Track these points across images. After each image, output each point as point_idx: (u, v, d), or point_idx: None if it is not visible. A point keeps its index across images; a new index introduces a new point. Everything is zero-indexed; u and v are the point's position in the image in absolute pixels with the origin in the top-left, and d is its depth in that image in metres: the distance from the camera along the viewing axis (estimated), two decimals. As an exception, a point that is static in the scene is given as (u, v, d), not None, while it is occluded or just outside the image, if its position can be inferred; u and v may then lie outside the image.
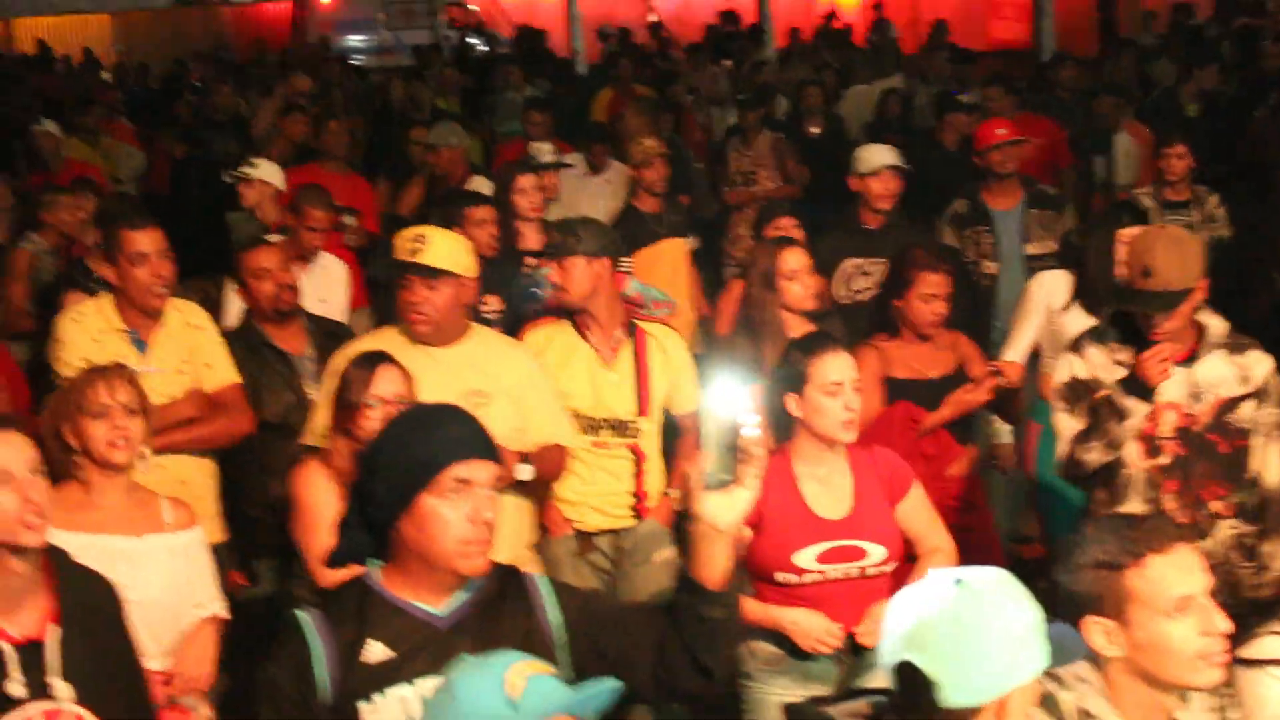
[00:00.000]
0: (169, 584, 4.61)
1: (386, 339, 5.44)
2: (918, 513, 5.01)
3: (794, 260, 6.38)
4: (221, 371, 5.95)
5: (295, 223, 7.93)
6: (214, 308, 6.74)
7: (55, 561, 3.75)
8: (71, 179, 10.17)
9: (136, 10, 40.22)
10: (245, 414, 6.02)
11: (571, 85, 18.28)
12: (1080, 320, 6.62)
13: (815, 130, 13.08)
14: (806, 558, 4.77)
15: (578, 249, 5.89)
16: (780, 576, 4.79)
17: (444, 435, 3.19)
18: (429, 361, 5.26)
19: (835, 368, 4.82)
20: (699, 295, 9.05)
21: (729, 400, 3.05)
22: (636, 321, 6.11)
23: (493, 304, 7.22)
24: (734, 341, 6.37)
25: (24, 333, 8.43)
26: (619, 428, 5.99)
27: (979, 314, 7.90)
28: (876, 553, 4.83)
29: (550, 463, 5.55)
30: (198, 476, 5.88)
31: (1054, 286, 6.94)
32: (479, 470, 3.17)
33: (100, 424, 4.57)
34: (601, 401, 5.96)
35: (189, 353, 5.88)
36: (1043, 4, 16.05)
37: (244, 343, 6.36)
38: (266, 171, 9.02)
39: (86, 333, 5.72)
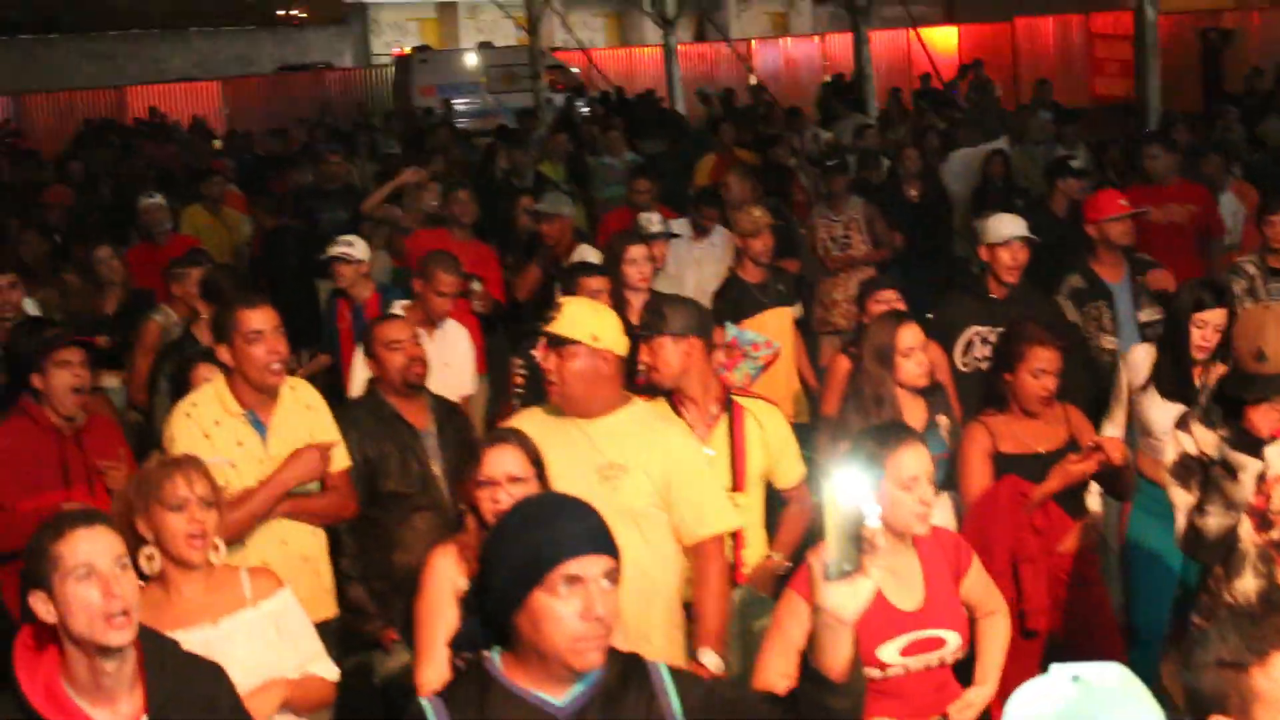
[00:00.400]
0: (256, 661, 4.58)
1: (536, 411, 5.44)
2: (976, 584, 4.98)
3: (910, 337, 6.34)
4: (338, 455, 5.94)
5: (424, 288, 8.09)
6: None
7: (152, 651, 3.80)
8: (186, 250, 10.33)
9: (244, 77, 41.03)
10: (353, 498, 6.05)
11: (674, 148, 18.40)
12: (1157, 403, 6.62)
13: (914, 194, 13.08)
14: (890, 652, 4.70)
15: (665, 329, 5.86)
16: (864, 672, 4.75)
17: (556, 530, 3.16)
18: (572, 434, 5.21)
19: (912, 462, 4.74)
20: (805, 365, 9.04)
21: (851, 489, 3.06)
22: (734, 397, 6.05)
23: None
24: (844, 419, 6.34)
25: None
26: None
27: (1099, 390, 7.77)
28: (954, 640, 4.79)
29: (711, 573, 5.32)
30: (306, 540, 5.90)
31: (1136, 363, 6.88)
32: (592, 566, 3.14)
33: (178, 517, 4.54)
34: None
35: (307, 434, 5.86)
36: (1146, 59, 15.80)
37: (372, 413, 6.41)
38: (363, 250, 9.25)
39: (200, 426, 5.67)
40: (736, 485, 5.89)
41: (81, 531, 3.72)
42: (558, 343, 5.20)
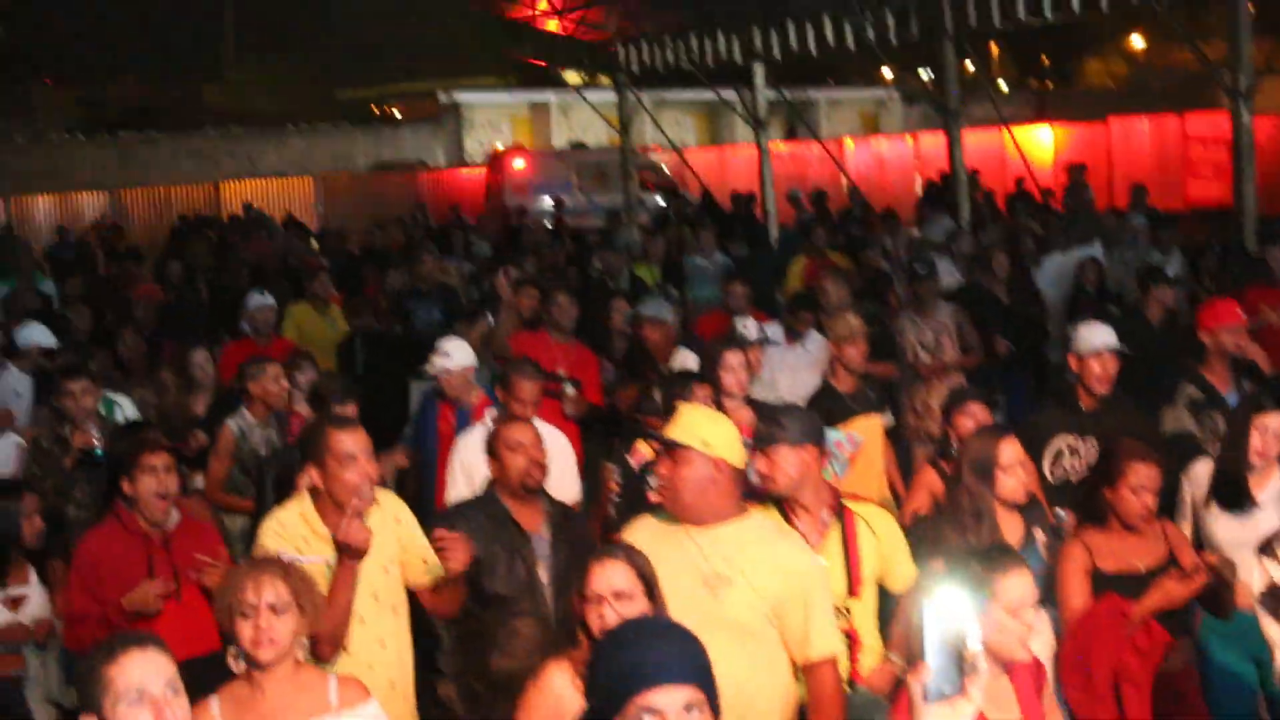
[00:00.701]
0: None
1: (649, 518, 5.42)
2: (1050, 705, 4.94)
3: (1010, 453, 6.31)
4: (434, 567, 5.94)
5: (505, 396, 8.13)
6: None
7: None
8: (289, 353, 10.46)
9: (338, 172, 41.66)
10: (457, 598, 6.07)
11: (765, 249, 18.48)
12: (1220, 518, 6.56)
13: (1004, 299, 13.02)
14: None
15: (783, 438, 5.85)
16: None
17: (641, 658, 3.14)
18: (681, 541, 5.17)
19: (1019, 588, 4.70)
20: (894, 473, 9.01)
21: (952, 611, 3.06)
22: (845, 503, 6.04)
23: None
24: (940, 533, 6.29)
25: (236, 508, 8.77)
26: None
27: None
28: None
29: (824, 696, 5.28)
30: (401, 645, 5.92)
31: (1197, 476, 6.81)
32: (673, 697, 3.11)
33: (246, 624, 4.60)
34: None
35: (398, 548, 5.87)
36: (1243, 163, 15.69)
37: (487, 513, 6.42)
38: (464, 358, 9.21)
39: (290, 543, 5.65)
40: (852, 591, 5.88)
41: (134, 654, 3.81)
42: (671, 447, 5.18)
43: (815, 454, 5.94)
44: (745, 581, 5.09)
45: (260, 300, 11.95)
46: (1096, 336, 7.97)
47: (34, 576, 7.25)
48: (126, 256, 21.35)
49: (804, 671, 5.23)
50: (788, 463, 5.85)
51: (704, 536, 5.17)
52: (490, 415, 8.09)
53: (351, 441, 5.68)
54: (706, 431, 5.23)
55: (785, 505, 5.94)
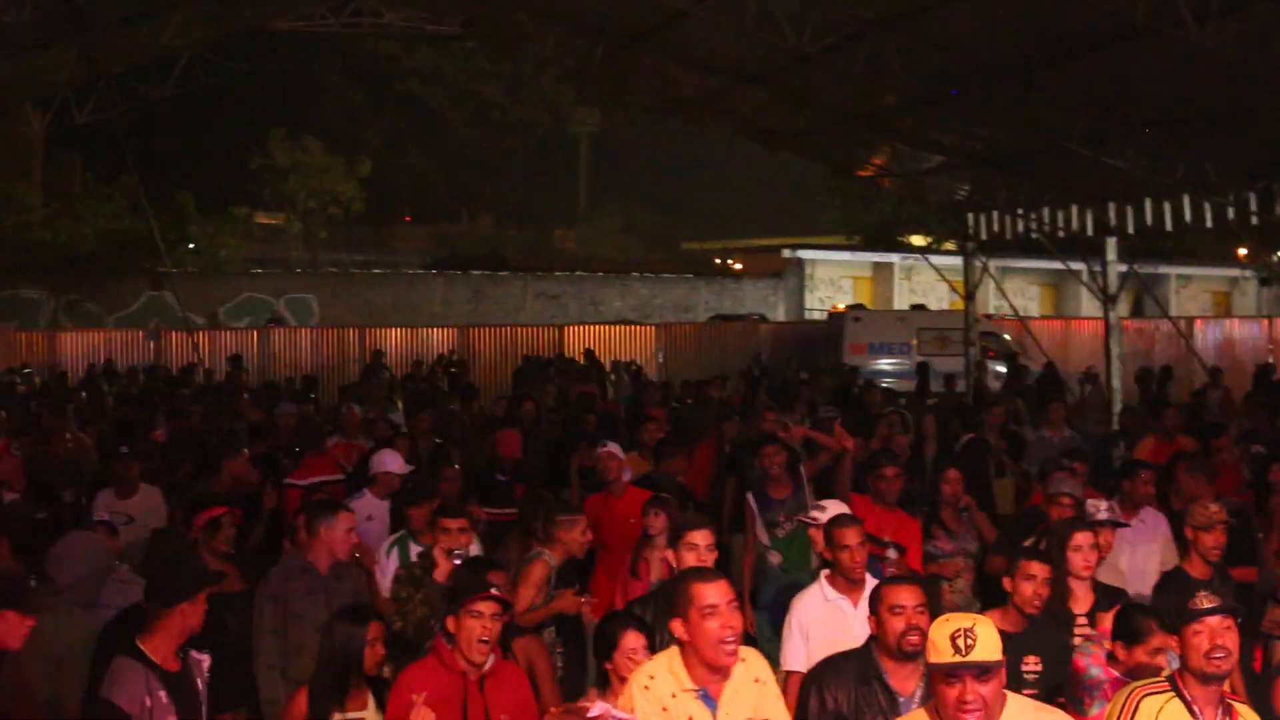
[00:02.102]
0: None
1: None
2: None
3: None
4: None
5: (832, 554, 8.12)
6: None
7: None
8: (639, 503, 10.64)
9: (679, 324, 42.47)
10: None
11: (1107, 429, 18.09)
12: None
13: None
14: None
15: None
16: None
17: None
18: None
19: None
20: (1238, 678, 8.58)
21: None
22: (1230, 701, 5.90)
23: (1031, 664, 7.19)
24: None
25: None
26: None
27: None
28: None
29: None
30: None
31: None
32: None
33: None
34: None
35: (753, 709, 5.88)
36: None
37: (857, 670, 6.45)
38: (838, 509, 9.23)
39: (658, 701, 5.72)
40: None
41: None
42: (983, 670, 5.10)
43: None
44: None
45: (604, 450, 11.99)
46: None
47: (372, 703, 7.43)
48: (469, 392, 22.08)
49: None
50: (1236, 644, 5.86)
51: None
52: (824, 575, 8.10)
53: (714, 593, 5.73)
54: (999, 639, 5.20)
55: (1188, 693, 5.85)
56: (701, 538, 8.05)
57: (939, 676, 5.19)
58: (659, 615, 7.66)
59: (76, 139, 45.11)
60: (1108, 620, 7.17)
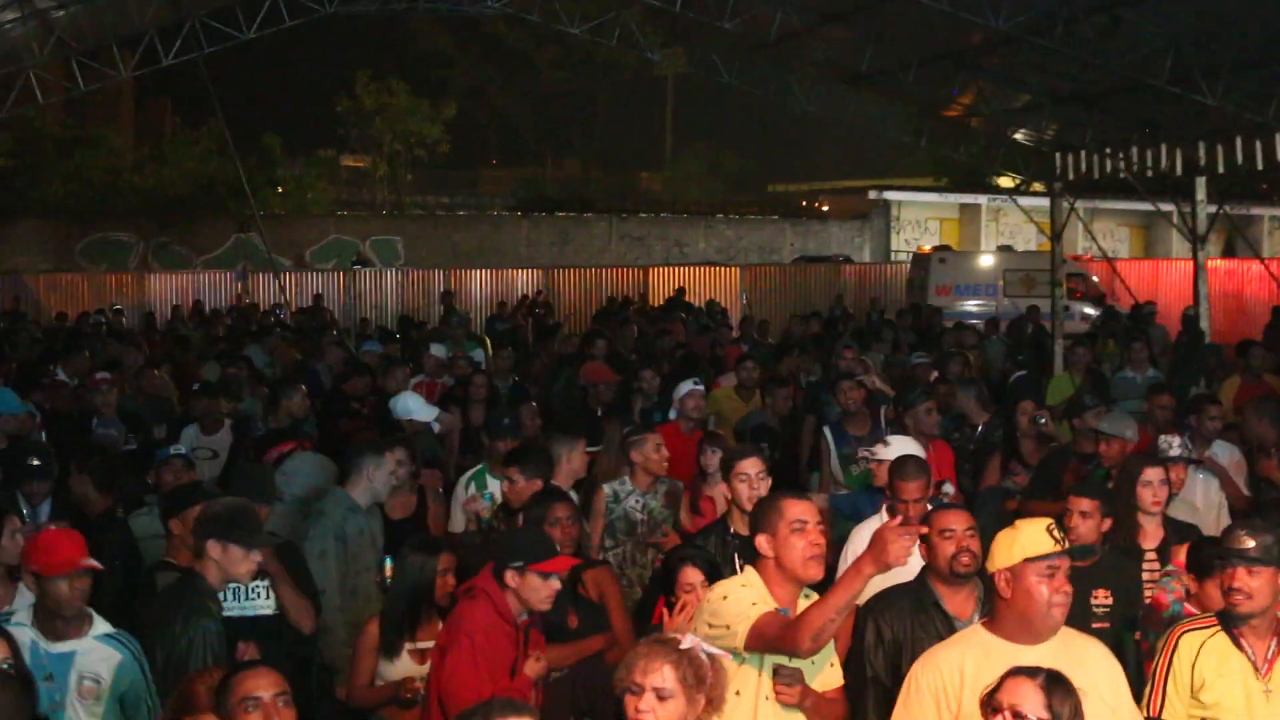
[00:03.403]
0: None
1: (977, 635, 5.49)
2: None
3: None
4: (836, 674, 6.00)
5: (891, 497, 8.14)
6: None
7: None
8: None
9: (763, 265, 42.38)
10: (842, 708, 6.06)
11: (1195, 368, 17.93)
12: None
13: None
14: None
15: (1274, 561, 5.79)
16: None
17: None
18: (1015, 659, 5.12)
19: None
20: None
21: None
22: None
23: (1101, 598, 7.21)
24: None
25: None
26: None
27: None
28: None
29: None
30: None
31: None
32: None
33: (632, 702, 4.67)
34: (1255, 715, 5.75)
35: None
36: None
37: (911, 599, 6.52)
38: (902, 446, 9.28)
39: (746, 601, 5.66)
40: None
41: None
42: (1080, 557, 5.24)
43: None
44: (1092, 690, 5.03)
45: (693, 388, 12.04)
46: None
47: (443, 634, 7.54)
48: (551, 332, 22.19)
49: None
50: (1268, 585, 5.79)
51: (1033, 653, 5.21)
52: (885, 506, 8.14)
53: (803, 509, 5.80)
54: None
55: (1236, 628, 5.85)
56: (751, 466, 8.13)
57: (1032, 572, 5.27)
58: (720, 550, 7.76)
59: (165, 85, 45.56)
60: (1182, 554, 7.17)
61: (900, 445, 9.20)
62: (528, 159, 74.41)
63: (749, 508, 7.71)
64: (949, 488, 9.81)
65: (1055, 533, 5.31)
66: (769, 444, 11.40)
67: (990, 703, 4.66)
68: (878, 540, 5.27)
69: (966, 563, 6.43)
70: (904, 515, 7.33)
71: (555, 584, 6.52)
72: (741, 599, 5.64)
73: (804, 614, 5.43)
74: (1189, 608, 6.82)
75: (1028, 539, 5.33)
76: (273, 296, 33.28)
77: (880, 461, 9.08)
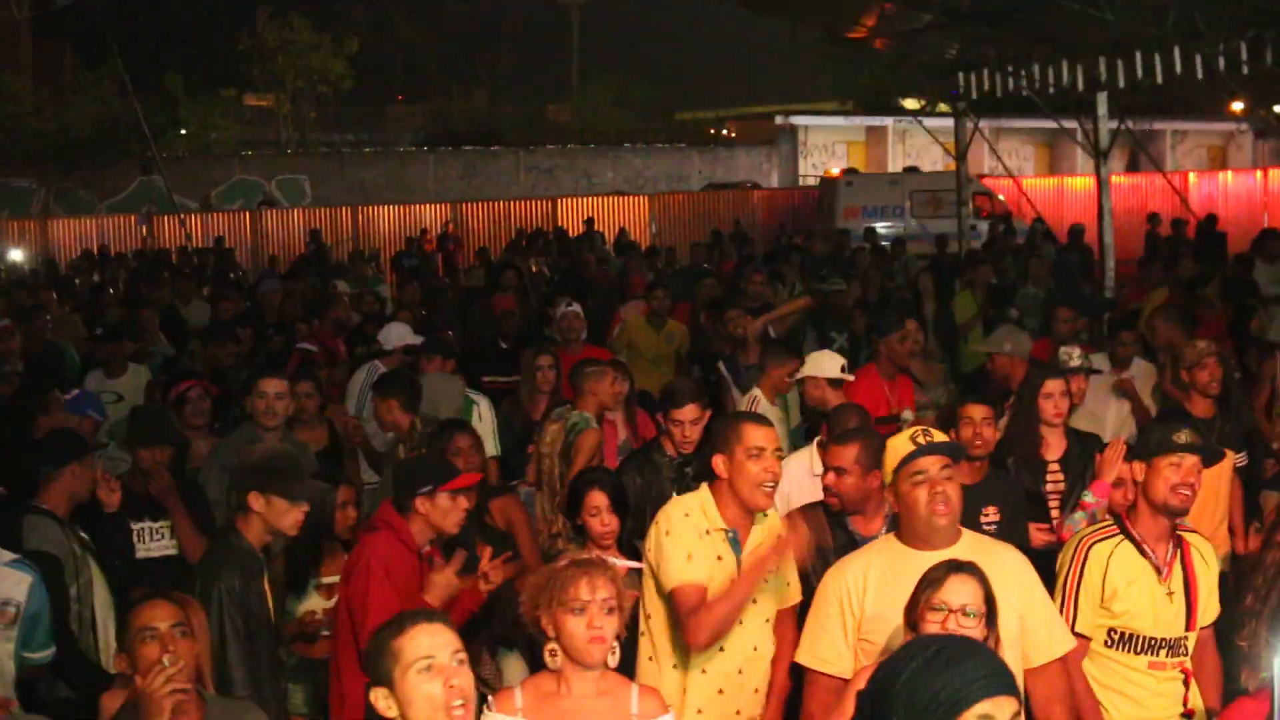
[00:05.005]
0: None
1: (887, 545, 5.47)
2: None
3: None
4: (794, 591, 6.01)
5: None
6: None
7: None
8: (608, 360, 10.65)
9: (672, 193, 42.34)
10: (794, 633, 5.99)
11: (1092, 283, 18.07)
12: None
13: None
14: None
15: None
16: None
17: (969, 671, 3.14)
18: (922, 564, 5.03)
19: None
20: (1239, 518, 8.57)
21: None
22: (1181, 532, 5.87)
23: (990, 514, 7.16)
24: None
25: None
26: (1174, 647, 5.78)
27: None
28: None
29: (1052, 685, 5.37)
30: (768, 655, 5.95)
31: None
32: (1003, 708, 3.12)
33: (579, 621, 4.64)
34: (1160, 620, 5.75)
35: (775, 562, 5.81)
36: None
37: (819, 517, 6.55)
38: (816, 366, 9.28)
39: (694, 529, 5.75)
40: (1189, 624, 5.80)
41: (423, 627, 4.00)
42: (946, 465, 5.30)
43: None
44: (1003, 600, 4.96)
45: (565, 309, 12.25)
46: None
47: (347, 568, 7.47)
48: (477, 268, 22.04)
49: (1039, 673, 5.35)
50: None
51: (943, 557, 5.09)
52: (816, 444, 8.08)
53: (762, 436, 5.78)
54: None
55: (1134, 532, 5.82)
56: (688, 413, 8.01)
57: (904, 480, 5.29)
58: (626, 474, 7.74)
59: (64, 27, 44.71)
60: (1107, 471, 7.12)
61: (820, 363, 9.21)
62: (433, 93, 73.86)
63: (686, 451, 7.95)
64: (908, 413, 9.70)
65: (919, 437, 5.30)
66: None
67: (930, 605, 4.62)
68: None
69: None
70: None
71: (464, 503, 6.46)
72: (695, 528, 5.74)
73: (707, 610, 5.53)
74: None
75: (896, 447, 5.35)
76: (178, 239, 32.88)
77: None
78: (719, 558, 5.74)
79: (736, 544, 5.80)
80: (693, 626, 5.56)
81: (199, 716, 4.86)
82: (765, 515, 5.95)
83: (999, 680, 3.16)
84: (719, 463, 5.79)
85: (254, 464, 6.36)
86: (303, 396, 9.52)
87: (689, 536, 5.72)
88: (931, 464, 5.26)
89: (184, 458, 8.39)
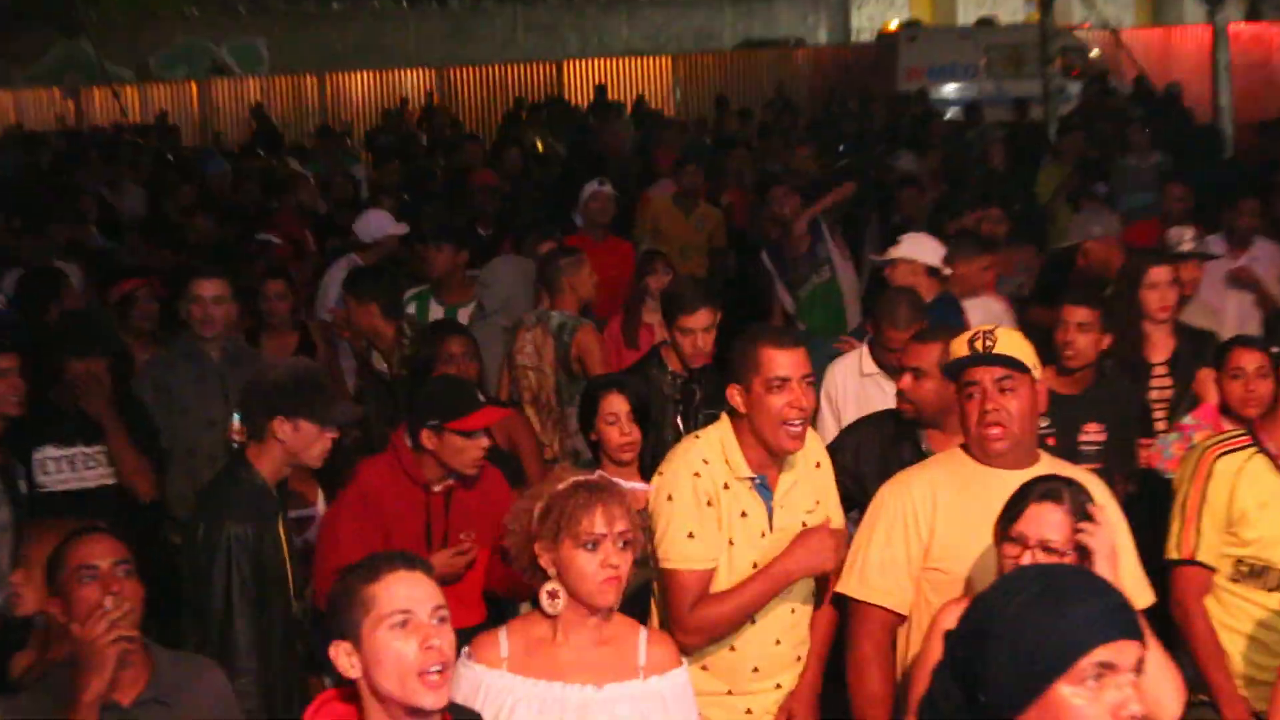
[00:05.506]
0: None
1: (952, 459, 5.42)
2: None
3: None
4: (836, 518, 5.82)
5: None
6: None
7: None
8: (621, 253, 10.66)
9: (700, 54, 42.02)
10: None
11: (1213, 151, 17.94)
12: None
13: None
14: None
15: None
16: None
17: (1082, 609, 3.08)
18: (999, 491, 4.94)
19: None
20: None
21: None
22: None
23: (1091, 432, 7.17)
24: None
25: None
26: None
27: None
28: None
29: None
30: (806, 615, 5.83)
31: None
32: (1125, 654, 3.07)
33: (591, 558, 4.53)
34: None
35: (813, 502, 5.73)
36: None
37: (884, 431, 6.64)
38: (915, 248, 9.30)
39: (708, 489, 5.47)
40: None
41: (401, 574, 3.81)
42: (1005, 376, 5.17)
43: None
44: None
45: (597, 189, 12.10)
46: None
47: (321, 497, 7.46)
48: (462, 139, 21.94)
49: None
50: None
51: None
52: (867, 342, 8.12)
53: (787, 362, 5.44)
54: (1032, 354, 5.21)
55: (1267, 445, 5.77)
56: (699, 321, 7.90)
57: (959, 391, 5.24)
58: (650, 382, 7.73)
59: None
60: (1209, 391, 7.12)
61: (920, 245, 9.23)
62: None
63: (696, 365, 7.86)
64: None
65: (978, 342, 5.18)
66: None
67: (1009, 535, 4.61)
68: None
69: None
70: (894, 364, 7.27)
71: (483, 441, 6.38)
72: (714, 482, 5.52)
73: (705, 608, 5.41)
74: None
75: (955, 350, 5.30)
76: (111, 115, 32.80)
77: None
78: (743, 514, 5.53)
79: (765, 489, 5.58)
80: (685, 624, 5.40)
81: (147, 672, 4.78)
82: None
83: (1119, 620, 3.10)
84: (735, 394, 5.50)
85: (279, 382, 6.11)
86: (273, 298, 9.53)
87: (694, 507, 5.47)
88: (985, 375, 5.14)
89: (125, 370, 8.38)
